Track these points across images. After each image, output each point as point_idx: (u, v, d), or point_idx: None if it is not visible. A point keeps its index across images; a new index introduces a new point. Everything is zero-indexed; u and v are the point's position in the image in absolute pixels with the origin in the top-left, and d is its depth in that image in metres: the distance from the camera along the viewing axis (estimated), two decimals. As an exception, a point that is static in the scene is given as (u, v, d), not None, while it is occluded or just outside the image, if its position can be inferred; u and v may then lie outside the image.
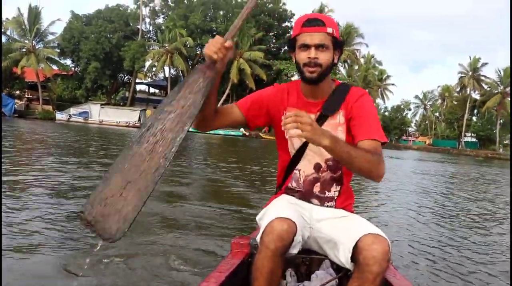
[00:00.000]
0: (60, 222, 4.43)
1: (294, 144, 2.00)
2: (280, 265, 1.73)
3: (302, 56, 1.84)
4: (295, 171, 2.03)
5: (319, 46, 1.81)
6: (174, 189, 7.35)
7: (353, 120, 1.90)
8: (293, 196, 2.06)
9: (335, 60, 1.89)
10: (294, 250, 1.81)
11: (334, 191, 2.02)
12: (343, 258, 1.77)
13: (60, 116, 46.86)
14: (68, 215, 4.74)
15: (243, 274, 1.83)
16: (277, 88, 2.05)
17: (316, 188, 2.01)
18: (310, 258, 2.14)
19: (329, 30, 1.82)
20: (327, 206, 2.01)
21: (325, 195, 2.02)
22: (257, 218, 1.99)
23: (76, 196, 6.04)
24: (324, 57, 1.82)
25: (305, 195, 2.03)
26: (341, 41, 1.88)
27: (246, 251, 2.06)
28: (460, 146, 63.69)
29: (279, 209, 1.83)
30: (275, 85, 2.07)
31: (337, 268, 1.94)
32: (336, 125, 1.94)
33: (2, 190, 5.65)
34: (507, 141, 63.09)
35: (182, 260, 3.56)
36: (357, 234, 1.70)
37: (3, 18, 49.36)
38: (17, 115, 46.18)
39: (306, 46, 1.82)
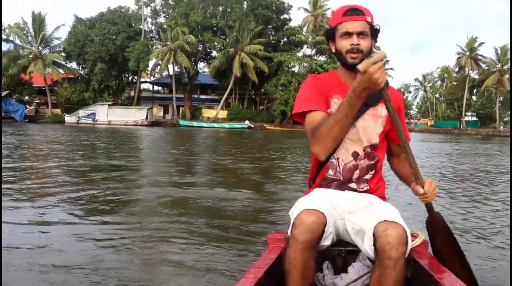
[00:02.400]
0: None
1: None
2: (312, 257, 1.73)
3: (344, 43, 1.91)
4: (332, 160, 2.03)
5: (360, 34, 1.89)
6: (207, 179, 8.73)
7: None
8: (329, 186, 2.07)
9: (373, 48, 1.97)
10: (327, 242, 1.82)
11: (368, 175, 2.06)
12: (367, 247, 1.79)
13: (69, 119, 48.12)
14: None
15: (281, 269, 1.80)
16: (318, 78, 2.08)
17: (355, 175, 2.04)
18: (346, 250, 2.14)
19: (368, 19, 1.91)
20: (362, 190, 2.05)
21: (361, 179, 2.05)
22: (289, 212, 1.94)
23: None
24: (365, 44, 1.89)
25: (343, 183, 2.05)
26: (377, 29, 1.96)
27: (283, 246, 2.03)
28: (461, 126, 64.35)
29: (308, 201, 1.85)
30: (314, 75, 2.11)
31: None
32: (377, 116, 2.01)
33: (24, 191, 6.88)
34: (507, 119, 63.97)
35: (218, 257, 3.59)
36: (374, 221, 1.75)
37: (5, 25, 50.65)
38: (27, 120, 47.64)
39: (348, 34, 1.89)
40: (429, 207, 2.07)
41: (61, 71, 53.10)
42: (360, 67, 1.66)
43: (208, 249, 3.80)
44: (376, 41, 1.99)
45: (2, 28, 45.53)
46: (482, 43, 63.48)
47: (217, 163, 11.94)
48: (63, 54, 53.36)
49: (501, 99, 63.82)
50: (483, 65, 63.51)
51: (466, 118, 66.72)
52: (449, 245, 2.07)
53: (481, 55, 63.36)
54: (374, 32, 1.94)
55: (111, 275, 3.14)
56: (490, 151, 21.58)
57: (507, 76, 58.79)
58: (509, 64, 59.01)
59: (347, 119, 1.82)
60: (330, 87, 2.00)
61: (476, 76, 64.56)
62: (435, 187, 1.97)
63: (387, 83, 1.91)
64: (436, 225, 2.09)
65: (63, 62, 53.75)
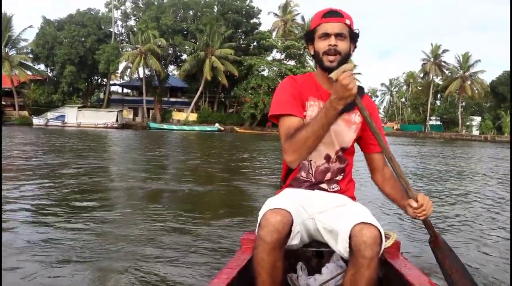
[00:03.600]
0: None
1: None
2: (280, 257, 1.72)
3: (322, 44, 1.91)
4: (304, 162, 2.04)
5: (338, 35, 1.89)
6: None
7: (368, 131, 1.96)
8: (300, 187, 2.07)
9: (351, 51, 1.96)
10: (295, 242, 1.82)
11: (339, 175, 2.08)
12: (342, 248, 1.79)
13: (37, 121, 47.34)
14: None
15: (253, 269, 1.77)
16: (295, 79, 2.06)
17: (327, 177, 2.05)
18: (320, 251, 2.16)
19: (347, 21, 1.92)
20: (333, 190, 2.06)
21: (332, 180, 2.07)
22: (259, 213, 1.86)
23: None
24: (342, 46, 1.89)
25: (315, 184, 2.06)
26: (357, 33, 1.96)
27: None
28: (426, 129, 66.02)
29: (275, 201, 1.83)
30: (291, 77, 2.10)
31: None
32: (350, 122, 2.02)
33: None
34: (468, 123, 66.14)
35: (191, 259, 3.62)
36: (351, 223, 1.73)
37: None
38: (-8, 122, 46.72)
39: (326, 35, 1.90)
40: (428, 225, 1.93)
41: (29, 72, 52.31)
42: (332, 75, 1.72)
43: (181, 249, 3.85)
44: (355, 46, 1.99)
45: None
46: (446, 50, 65.55)
47: (189, 164, 12.48)
48: (30, 55, 52.57)
49: (463, 104, 66.01)
50: (446, 72, 65.61)
51: (431, 122, 68.39)
52: (460, 272, 1.94)
53: (445, 62, 65.51)
54: (353, 36, 1.95)
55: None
56: (456, 153, 22.73)
57: (469, 82, 60.97)
58: (470, 71, 61.36)
59: (323, 130, 1.83)
60: (306, 89, 2.01)
61: (440, 82, 66.47)
62: (429, 199, 1.88)
63: (362, 91, 2.02)
64: (440, 248, 1.99)
65: (31, 64, 52.94)
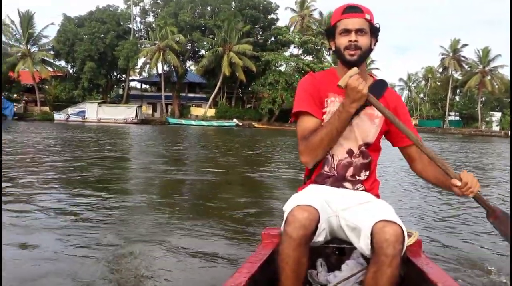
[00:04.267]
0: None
1: None
2: (305, 253, 1.73)
3: (343, 40, 1.92)
4: (327, 157, 2.03)
5: (358, 31, 1.90)
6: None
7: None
8: (324, 183, 2.06)
9: (372, 46, 1.98)
10: (320, 238, 1.82)
11: (364, 175, 2.06)
12: (364, 245, 1.78)
13: (58, 116, 48.13)
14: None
15: (274, 264, 1.79)
16: (314, 76, 2.08)
17: (349, 172, 2.04)
18: (340, 248, 2.15)
19: (367, 16, 1.93)
20: (357, 189, 2.05)
21: (356, 179, 2.05)
22: (283, 208, 1.89)
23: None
24: (363, 41, 1.91)
25: (338, 180, 2.04)
26: (377, 28, 1.97)
27: (277, 241, 2.01)
28: (445, 125, 65.48)
29: (301, 197, 1.84)
30: (311, 74, 2.12)
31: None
32: (373, 116, 2.01)
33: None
34: (488, 119, 65.40)
35: (213, 252, 3.61)
36: (373, 220, 1.73)
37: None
38: (16, 117, 47.55)
39: (347, 31, 1.91)
40: (480, 200, 1.89)
41: (50, 69, 53.33)
42: (340, 83, 1.78)
43: (202, 242, 3.87)
44: (377, 40, 2.00)
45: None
46: (465, 45, 64.83)
47: (209, 157, 12.75)
48: (52, 52, 53.50)
49: (483, 99, 65.31)
50: (466, 66, 64.89)
51: (450, 118, 67.81)
52: None
53: (464, 57, 64.81)
54: (374, 31, 1.96)
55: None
56: (476, 149, 22.66)
57: (489, 77, 60.24)
58: (490, 66, 60.62)
59: (337, 132, 1.88)
60: (326, 86, 2.01)
61: (459, 77, 65.78)
62: (473, 175, 1.85)
63: (385, 84, 2.07)
64: (500, 219, 1.93)
65: (52, 60, 53.91)
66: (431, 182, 2.09)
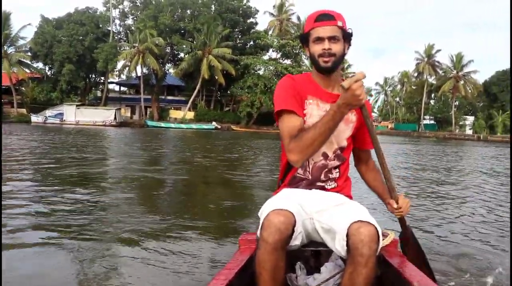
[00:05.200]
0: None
1: None
2: (282, 258, 1.73)
3: (317, 48, 1.95)
4: None
5: (331, 38, 1.92)
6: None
7: (363, 129, 2.10)
8: (298, 186, 2.10)
9: (345, 51, 2.01)
10: (296, 242, 1.82)
11: (336, 173, 2.11)
12: (339, 246, 1.80)
13: (35, 119, 47.46)
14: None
15: (252, 270, 1.79)
16: (293, 78, 2.09)
17: (323, 174, 2.08)
18: (319, 251, 2.16)
19: (339, 23, 1.95)
20: (330, 187, 2.10)
21: (329, 177, 2.10)
22: (259, 213, 1.88)
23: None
24: (336, 48, 1.93)
25: (312, 182, 2.09)
26: (350, 33, 1.99)
27: (254, 247, 2.01)
28: (420, 129, 66.60)
29: (276, 202, 1.85)
30: (289, 76, 2.12)
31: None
32: (348, 121, 2.06)
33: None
34: (462, 122, 66.93)
35: (189, 260, 3.59)
36: (348, 222, 1.75)
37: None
38: (-9, 119, 46.91)
39: (320, 39, 1.94)
40: (402, 222, 2.18)
41: (27, 70, 52.66)
42: (344, 84, 1.77)
43: (178, 249, 3.85)
44: (350, 45, 2.03)
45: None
46: (439, 50, 66.40)
47: (187, 159, 13.14)
48: (29, 54, 52.89)
49: (457, 103, 66.79)
50: (440, 71, 66.37)
51: (425, 121, 68.91)
52: (419, 259, 2.20)
53: (438, 62, 66.31)
54: (346, 36, 1.98)
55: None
56: (447, 151, 23.45)
57: (462, 82, 61.80)
58: (463, 71, 62.20)
59: (330, 132, 1.89)
60: (304, 88, 2.03)
61: (434, 82, 67.13)
62: (409, 201, 2.10)
63: None
64: (407, 240, 2.22)
65: (29, 62, 53.34)
66: (368, 185, 2.34)
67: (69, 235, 4.20)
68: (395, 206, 2.08)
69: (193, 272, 3.32)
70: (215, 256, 3.72)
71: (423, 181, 9.52)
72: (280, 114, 2.00)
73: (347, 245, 1.74)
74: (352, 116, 2.07)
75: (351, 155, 2.24)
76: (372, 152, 2.18)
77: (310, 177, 2.09)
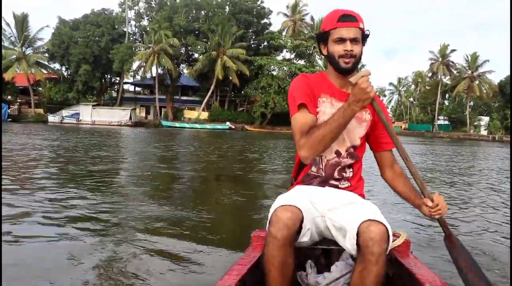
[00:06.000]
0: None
1: None
2: (290, 254, 1.73)
3: (338, 48, 1.94)
4: (315, 158, 2.06)
5: (353, 40, 1.92)
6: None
7: (379, 129, 2.08)
8: (311, 183, 2.09)
9: (362, 53, 1.99)
10: (305, 238, 1.83)
11: (349, 172, 2.10)
12: (350, 245, 1.80)
13: (52, 118, 48.20)
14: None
15: (263, 266, 1.77)
16: (307, 77, 2.10)
17: (336, 172, 2.07)
18: (330, 249, 2.15)
19: (361, 25, 1.95)
20: (343, 186, 2.08)
21: (343, 176, 2.09)
22: (270, 209, 1.85)
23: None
24: (357, 50, 1.94)
25: (325, 180, 2.08)
26: (368, 35, 2.00)
27: None
28: (434, 129, 66.46)
29: (285, 198, 1.84)
30: (303, 74, 2.12)
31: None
32: (361, 120, 2.06)
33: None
34: (476, 123, 66.50)
35: (203, 255, 3.62)
36: (359, 220, 1.75)
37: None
38: (10, 119, 47.41)
39: (342, 40, 1.92)
40: (443, 223, 1.99)
41: (44, 71, 53.56)
42: (352, 79, 1.81)
43: (192, 244, 3.88)
44: (364, 45, 2.01)
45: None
46: (454, 50, 66.50)
47: (205, 159, 13.38)
48: (46, 55, 53.84)
49: (471, 104, 66.47)
50: (454, 71, 66.08)
51: (439, 122, 68.78)
52: (468, 262, 1.96)
53: (452, 62, 66.10)
54: (364, 38, 1.99)
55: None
56: (462, 152, 23.47)
57: (477, 82, 61.48)
58: (478, 71, 61.84)
59: (340, 130, 1.89)
60: (318, 87, 2.03)
61: (448, 82, 66.93)
62: (443, 198, 1.93)
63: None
64: (455, 245, 2.02)
65: (47, 63, 54.27)
66: (398, 193, 2.18)
67: (82, 228, 4.26)
68: (430, 204, 1.91)
69: (205, 267, 3.34)
70: (227, 252, 3.71)
71: (436, 181, 9.69)
72: (293, 111, 2.02)
73: (357, 243, 1.75)
74: (366, 115, 2.07)
75: (363, 155, 2.19)
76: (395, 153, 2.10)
77: (323, 174, 2.08)
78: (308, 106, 1.98)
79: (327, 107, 2.01)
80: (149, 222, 4.62)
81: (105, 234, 4.08)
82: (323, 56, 2.11)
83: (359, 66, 1.97)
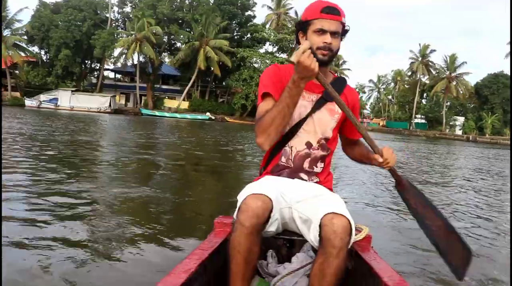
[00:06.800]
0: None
1: (290, 121, 2.00)
2: (257, 243, 1.74)
3: (317, 40, 1.90)
4: (285, 148, 2.06)
5: (334, 33, 1.90)
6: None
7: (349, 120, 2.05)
8: (280, 174, 2.09)
9: (339, 48, 1.98)
10: (272, 228, 1.82)
11: (319, 167, 2.10)
12: (313, 236, 1.81)
13: (29, 103, 47.43)
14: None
15: (225, 252, 1.79)
16: (279, 67, 2.08)
17: (306, 164, 2.07)
18: (292, 240, 2.17)
19: (343, 20, 1.93)
20: (312, 181, 2.09)
21: (313, 170, 2.09)
22: (238, 197, 1.84)
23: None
24: (336, 44, 1.92)
25: (295, 171, 2.07)
26: (347, 30, 1.98)
27: (229, 230, 2.03)
28: (411, 127, 67.63)
29: (256, 186, 1.83)
30: (275, 65, 2.11)
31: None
32: (333, 111, 2.06)
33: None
34: (452, 123, 67.86)
35: (165, 239, 3.67)
36: (322, 213, 1.76)
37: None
38: (-16, 102, 46.68)
39: (323, 32, 1.89)
40: (393, 172, 2.12)
41: (22, 54, 52.54)
42: (293, 59, 1.73)
43: (156, 227, 3.99)
44: (342, 40, 2.00)
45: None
46: (433, 50, 67.29)
47: (181, 147, 13.52)
48: (25, 37, 52.77)
49: (448, 104, 67.73)
50: (433, 71, 67.24)
51: (416, 120, 69.81)
52: (421, 202, 2.15)
53: (432, 62, 67.20)
54: (344, 33, 1.98)
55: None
56: (439, 151, 24.04)
57: (454, 83, 62.70)
58: (456, 72, 63.07)
59: (289, 109, 1.87)
60: (289, 77, 1.93)
61: (427, 81, 68.09)
62: (393, 151, 2.04)
63: (344, 82, 2.13)
64: (404, 188, 2.16)
65: (25, 45, 53.22)
66: (355, 159, 2.31)
67: (57, 215, 4.21)
68: (380, 159, 2.02)
69: (171, 252, 3.41)
70: (191, 236, 3.79)
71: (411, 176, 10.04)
72: (259, 101, 2.02)
73: (320, 235, 1.75)
74: (337, 107, 2.04)
75: (335, 147, 2.23)
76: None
77: (292, 166, 2.08)
78: (273, 95, 1.96)
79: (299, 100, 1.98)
80: (122, 203, 4.79)
81: (81, 215, 4.22)
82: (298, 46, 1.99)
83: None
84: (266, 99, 1.97)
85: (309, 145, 2.06)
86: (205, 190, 6.52)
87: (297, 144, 2.05)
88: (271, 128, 1.88)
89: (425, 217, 2.14)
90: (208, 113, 50.71)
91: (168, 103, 56.13)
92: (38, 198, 4.81)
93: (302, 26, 1.97)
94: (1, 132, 8.02)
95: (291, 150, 2.06)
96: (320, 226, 1.74)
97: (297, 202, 1.96)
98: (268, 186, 1.86)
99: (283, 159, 2.08)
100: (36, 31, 51.11)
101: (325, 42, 1.90)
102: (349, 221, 1.73)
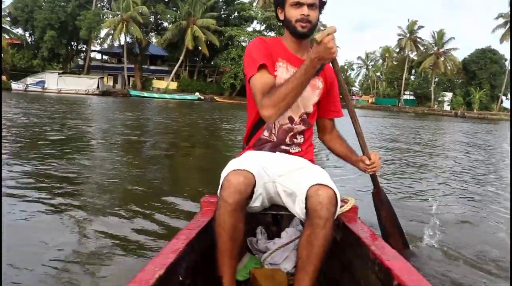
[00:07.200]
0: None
1: None
2: (241, 219, 1.73)
3: (295, 13, 1.93)
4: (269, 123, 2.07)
5: (311, 5, 1.92)
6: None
7: (329, 97, 2.18)
8: (262, 148, 2.11)
9: (318, 19, 1.98)
10: (256, 204, 1.84)
11: (300, 138, 2.13)
12: (299, 209, 1.83)
13: (16, 86, 46.25)
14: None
15: (212, 231, 1.78)
16: (265, 40, 2.09)
17: (288, 137, 2.10)
18: (280, 215, 2.19)
19: None
20: (294, 151, 2.12)
21: (294, 142, 2.12)
22: (221, 174, 1.84)
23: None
24: (314, 15, 1.94)
25: (277, 144, 2.10)
26: (325, 2, 2.01)
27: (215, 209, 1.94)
28: (400, 103, 67.79)
29: (237, 163, 1.84)
30: (260, 38, 2.11)
31: None
32: (315, 87, 2.09)
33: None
34: (440, 99, 68.23)
35: (153, 220, 3.63)
36: (308, 185, 1.78)
37: None
38: (-31, 86, 45.98)
39: (300, 4, 1.92)
40: (374, 179, 2.17)
41: (6, 36, 51.72)
42: (317, 37, 1.75)
43: (143, 209, 3.92)
44: (321, 13, 2.02)
45: None
46: (421, 26, 67.35)
47: (170, 127, 13.60)
48: (8, 19, 51.86)
49: (436, 80, 67.94)
50: (421, 48, 67.32)
51: (405, 96, 70.01)
52: (391, 219, 2.28)
53: (420, 38, 67.22)
54: (321, 5, 2.00)
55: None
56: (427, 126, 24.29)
57: (442, 59, 62.90)
58: (444, 48, 63.24)
59: (302, 87, 1.87)
60: (275, 51, 2.04)
61: (415, 58, 68.20)
62: (380, 157, 2.11)
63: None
64: (381, 200, 2.26)
65: (9, 27, 52.35)
66: (336, 152, 2.33)
67: (49, 198, 4.14)
68: (367, 162, 2.10)
69: (157, 233, 3.38)
70: (179, 217, 3.76)
71: (397, 150, 10.23)
72: (253, 72, 1.97)
73: (306, 207, 1.76)
74: (319, 83, 2.11)
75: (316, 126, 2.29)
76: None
77: (275, 140, 2.10)
78: (268, 67, 1.97)
79: (283, 73, 2.01)
80: (110, 184, 4.86)
81: (70, 195, 4.26)
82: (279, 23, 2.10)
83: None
84: (262, 71, 1.95)
85: (291, 119, 2.09)
86: (195, 168, 6.58)
87: (280, 118, 2.04)
88: (282, 104, 1.88)
89: (388, 235, 2.36)
90: (197, 94, 50.52)
91: (157, 84, 55.77)
92: (19, 184, 4.60)
93: (280, 1, 2.01)
94: (0, 129, 7.93)
95: (274, 124, 2.08)
96: (306, 198, 1.76)
97: (280, 175, 1.99)
98: (249, 161, 1.89)
99: (266, 133, 2.11)
100: (19, 12, 50.22)
101: (303, 14, 1.92)
102: (334, 191, 1.76)
